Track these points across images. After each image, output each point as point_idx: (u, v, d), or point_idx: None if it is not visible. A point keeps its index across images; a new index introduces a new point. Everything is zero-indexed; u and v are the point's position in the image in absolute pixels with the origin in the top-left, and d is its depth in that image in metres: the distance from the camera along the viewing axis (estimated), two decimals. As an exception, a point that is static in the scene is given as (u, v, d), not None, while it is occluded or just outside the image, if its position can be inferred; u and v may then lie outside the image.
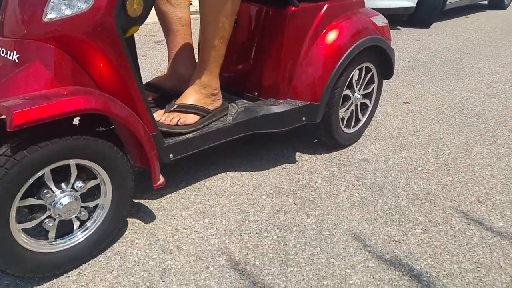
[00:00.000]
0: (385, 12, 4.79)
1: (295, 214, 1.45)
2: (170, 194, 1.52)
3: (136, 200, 1.48)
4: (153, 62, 3.17)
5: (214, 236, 1.30)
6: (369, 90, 1.90)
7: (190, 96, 1.44)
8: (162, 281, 1.12)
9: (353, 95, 1.81)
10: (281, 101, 1.58)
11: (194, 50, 1.66)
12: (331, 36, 1.60)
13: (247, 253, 1.24)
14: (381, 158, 1.85)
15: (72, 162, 1.04)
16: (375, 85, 1.92)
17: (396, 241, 1.33)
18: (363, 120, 1.95)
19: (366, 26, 1.68)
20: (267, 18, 1.55)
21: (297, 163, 1.77)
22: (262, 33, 1.58)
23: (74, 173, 1.06)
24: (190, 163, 1.73)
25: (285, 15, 1.51)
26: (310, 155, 1.85)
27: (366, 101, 1.93)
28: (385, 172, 1.74)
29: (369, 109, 1.97)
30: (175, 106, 1.42)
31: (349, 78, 1.71)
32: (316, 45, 1.59)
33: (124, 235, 1.30)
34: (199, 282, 1.13)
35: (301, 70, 1.58)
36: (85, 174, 1.11)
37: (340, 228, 1.38)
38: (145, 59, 3.24)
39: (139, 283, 1.11)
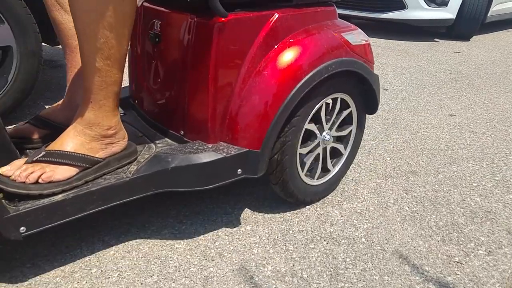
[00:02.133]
0: (422, 23, 4.74)
1: (342, 226, 1.35)
2: (210, 199, 1.46)
3: (175, 203, 1.43)
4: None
5: (257, 245, 1.24)
6: (345, 132, 1.47)
7: (68, 140, 1.02)
8: (205, 290, 1.09)
9: (321, 134, 1.37)
10: (210, 145, 1.15)
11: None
12: (282, 58, 1.15)
13: (293, 265, 1.17)
14: (430, 171, 1.74)
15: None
16: (353, 126, 1.47)
17: (458, 262, 1.21)
18: (334, 171, 1.49)
19: (334, 44, 1.24)
20: (192, 31, 1.11)
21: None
22: (187, 52, 1.14)
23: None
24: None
25: (211, 28, 1.07)
26: (353, 165, 1.75)
27: (340, 146, 1.47)
28: (436, 186, 1.63)
29: (343, 158, 1.50)
30: (42, 154, 1.00)
31: (310, 115, 1.28)
32: (259, 71, 1.15)
33: (163, 239, 1.25)
34: (243, 293, 1.06)
35: (237, 104, 1.15)
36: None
37: (392, 243, 1.28)
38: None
39: None
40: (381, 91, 2.77)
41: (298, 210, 1.43)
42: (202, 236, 1.27)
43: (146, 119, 1.37)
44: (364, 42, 1.39)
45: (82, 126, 1.03)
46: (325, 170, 1.48)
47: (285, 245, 1.25)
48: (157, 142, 1.25)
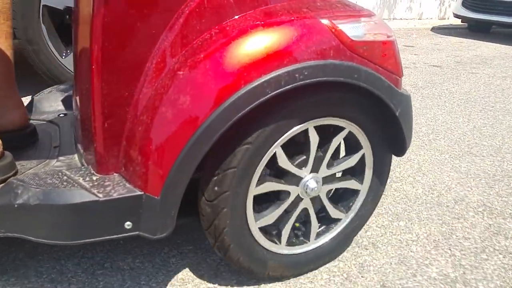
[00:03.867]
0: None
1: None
2: None
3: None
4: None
5: (415, 243, 1.18)
6: (349, 184, 0.98)
7: None
8: (362, 276, 1.03)
9: (303, 178, 0.89)
10: (96, 177, 0.78)
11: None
12: (211, 53, 0.73)
13: (463, 272, 1.07)
14: None
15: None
16: (368, 173, 0.97)
17: None
18: (320, 241, 0.99)
19: (313, 37, 0.77)
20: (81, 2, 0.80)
21: (503, 181, 1.56)
22: (77, 32, 0.84)
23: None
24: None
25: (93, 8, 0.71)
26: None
27: (338, 214, 0.99)
28: None
29: (342, 225, 1.01)
30: None
31: (272, 146, 0.81)
32: (173, 70, 0.75)
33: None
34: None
35: (136, 118, 0.76)
36: None
37: None
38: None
39: (335, 271, 1.04)
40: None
41: (459, 215, 1.33)
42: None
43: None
44: (379, 38, 0.85)
45: None
46: (306, 235, 0.98)
47: (450, 250, 1.16)
48: (61, 159, 0.91)
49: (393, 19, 6.15)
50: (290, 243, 0.95)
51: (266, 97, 0.73)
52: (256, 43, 0.74)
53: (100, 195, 0.73)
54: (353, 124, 0.89)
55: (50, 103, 1.19)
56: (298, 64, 0.75)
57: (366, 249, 1.13)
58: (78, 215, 0.73)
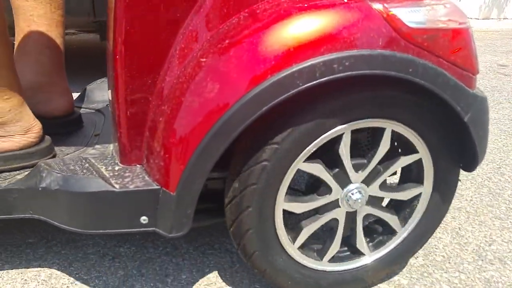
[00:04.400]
0: None
1: None
2: (470, 197, 1.33)
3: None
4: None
5: None
6: (404, 194, 0.84)
7: None
8: (488, 291, 0.95)
9: (342, 187, 0.78)
10: (118, 167, 0.76)
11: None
12: (240, 39, 0.65)
13: None
14: None
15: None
16: (427, 186, 0.83)
17: None
18: (364, 258, 0.87)
19: (358, 23, 0.64)
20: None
21: None
22: (109, 18, 0.76)
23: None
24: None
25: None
26: None
27: (390, 218, 0.85)
28: None
29: (397, 240, 0.87)
30: None
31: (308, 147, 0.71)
32: (197, 57, 0.68)
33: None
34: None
35: (159, 107, 0.71)
36: None
37: None
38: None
39: (455, 283, 0.97)
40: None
41: None
42: (470, 234, 1.13)
43: None
44: (447, 26, 0.69)
45: None
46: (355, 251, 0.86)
47: None
48: (97, 147, 0.91)
49: (504, 18, 5.45)
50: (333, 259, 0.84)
51: (296, 89, 0.63)
52: (288, 29, 0.64)
53: (117, 186, 0.70)
54: (408, 128, 0.75)
55: (102, 93, 1.22)
56: (338, 53, 0.63)
57: (492, 264, 1.03)
58: (94, 205, 0.71)
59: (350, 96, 0.69)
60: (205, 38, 0.69)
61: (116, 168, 0.76)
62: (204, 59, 0.67)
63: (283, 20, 0.65)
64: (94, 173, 0.74)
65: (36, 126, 0.85)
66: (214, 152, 0.66)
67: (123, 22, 0.67)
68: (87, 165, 0.77)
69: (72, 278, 0.91)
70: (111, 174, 0.74)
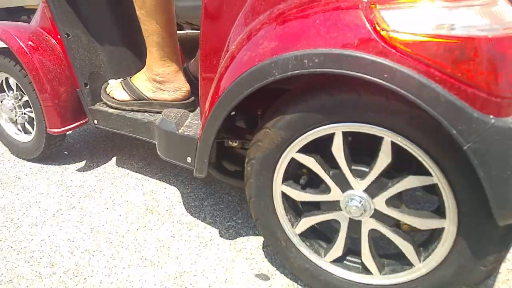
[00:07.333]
0: None
1: None
2: None
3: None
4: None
5: None
6: (418, 223, 0.72)
7: (138, 75, 1.28)
8: None
9: (345, 191, 0.76)
10: (197, 121, 1.08)
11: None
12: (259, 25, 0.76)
13: None
14: None
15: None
16: (450, 223, 0.68)
17: None
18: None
19: (340, 21, 0.64)
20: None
21: None
22: None
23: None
24: None
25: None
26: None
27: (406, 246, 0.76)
28: None
29: (413, 274, 0.75)
30: (124, 80, 1.31)
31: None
32: (249, 31, 0.79)
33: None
34: None
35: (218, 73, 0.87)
36: None
37: None
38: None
39: None
40: None
41: None
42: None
43: None
44: (448, 33, 0.57)
45: (145, 67, 1.24)
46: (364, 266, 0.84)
47: None
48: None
49: None
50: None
51: (272, 78, 0.71)
52: (284, 24, 0.72)
53: (177, 130, 0.99)
54: (410, 143, 0.66)
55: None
56: (310, 49, 0.66)
57: None
58: (166, 140, 1.03)
59: (336, 96, 0.70)
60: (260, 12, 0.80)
61: (195, 121, 1.05)
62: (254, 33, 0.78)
63: (284, 16, 0.73)
64: (177, 120, 1.04)
65: (184, 88, 1.23)
66: (219, 116, 0.82)
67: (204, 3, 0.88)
68: (179, 115, 1.08)
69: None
70: (187, 123, 1.03)
